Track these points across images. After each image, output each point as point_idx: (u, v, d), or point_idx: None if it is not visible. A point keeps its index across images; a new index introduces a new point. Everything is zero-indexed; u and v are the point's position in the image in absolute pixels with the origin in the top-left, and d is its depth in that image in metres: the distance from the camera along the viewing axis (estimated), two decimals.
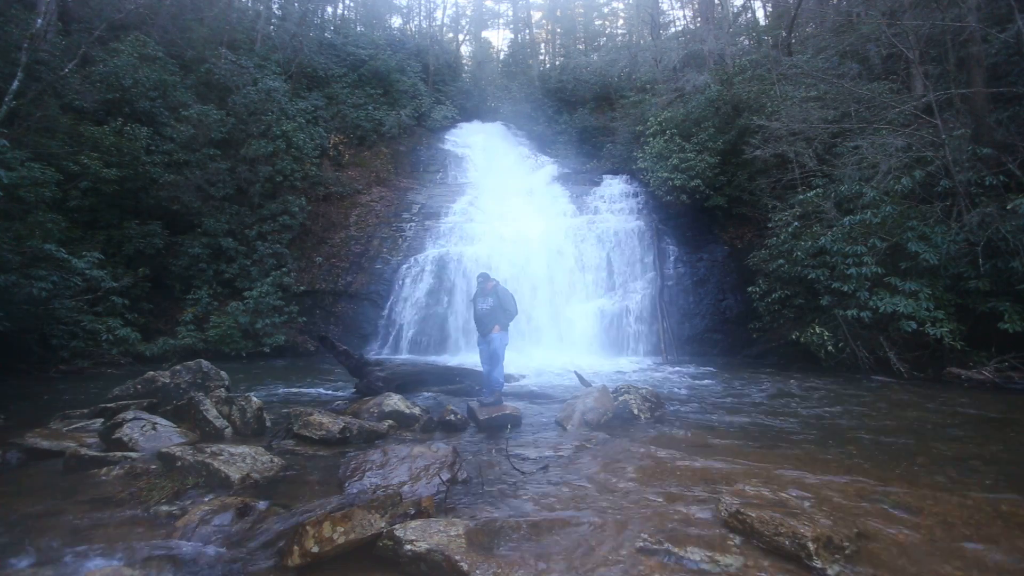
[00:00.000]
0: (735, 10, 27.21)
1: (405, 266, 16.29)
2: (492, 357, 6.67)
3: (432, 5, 40.76)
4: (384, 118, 22.42)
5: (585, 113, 25.48)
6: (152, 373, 6.68)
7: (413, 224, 18.08)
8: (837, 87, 12.68)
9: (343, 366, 8.38)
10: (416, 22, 39.04)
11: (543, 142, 25.14)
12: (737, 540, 2.76)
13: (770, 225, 12.89)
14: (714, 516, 3.04)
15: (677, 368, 11.66)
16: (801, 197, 11.95)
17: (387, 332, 15.35)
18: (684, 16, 32.74)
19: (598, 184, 19.54)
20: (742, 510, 2.86)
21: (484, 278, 6.92)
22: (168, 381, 6.57)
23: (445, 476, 3.72)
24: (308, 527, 2.65)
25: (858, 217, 10.14)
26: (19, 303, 9.27)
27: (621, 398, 6.26)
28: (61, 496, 3.58)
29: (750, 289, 12.72)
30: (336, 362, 8.89)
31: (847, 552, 2.64)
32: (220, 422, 5.14)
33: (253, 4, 25.99)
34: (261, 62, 19.97)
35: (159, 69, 15.62)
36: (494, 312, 6.66)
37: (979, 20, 10.62)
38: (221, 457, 3.90)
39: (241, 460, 3.91)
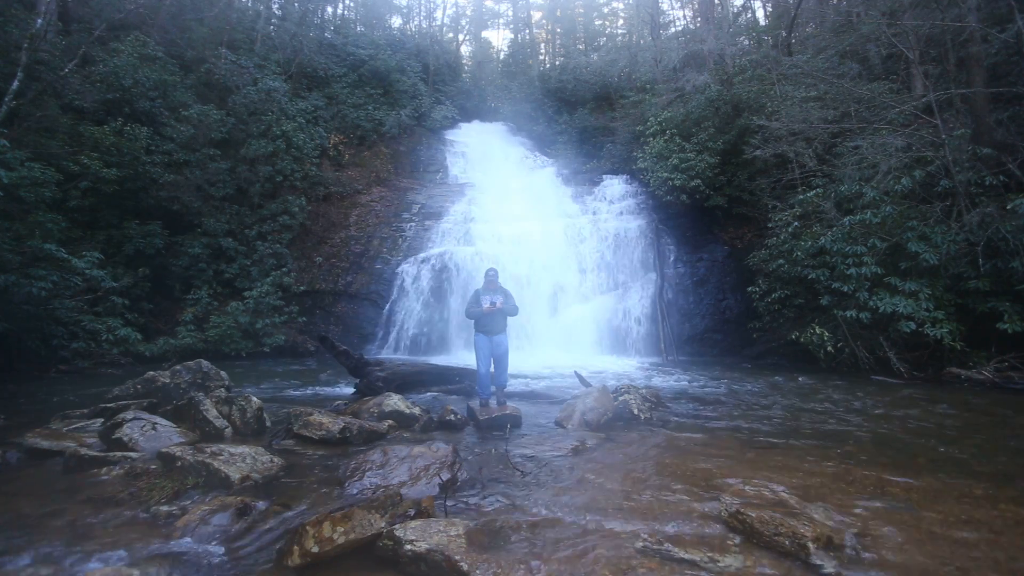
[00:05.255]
0: (735, 10, 27.22)
1: (405, 266, 16.28)
2: (502, 357, 6.53)
3: (432, 5, 40.80)
4: (384, 118, 22.43)
5: (585, 113, 25.49)
6: (152, 373, 6.68)
7: (413, 224, 18.08)
8: (837, 87, 12.68)
9: (343, 366, 8.38)
10: (416, 22, 39.06)
11: (543, 142, 25.15)
12: (737, 540, 2.76)
13: (770, 225, 12.89)
14: (714, 516, 3.04)
15: (677, 368, 11.67)
16: (801, 197, 11.95)
17: (387, 332, 15.34)
18: (684, 16, 32.75)
19: (598, 184, 19.53)
20: (742, 510, 2.86)
21: (494, 274, 6.62)
22: (168, 381, 6.57)
23: (445, 476, 3.72)
24: (308, 527, 2.65)
25: (858, 217, 10.14)
26: (19, 303, 9.27)
27: (621, 398, 6.26)
28: (61, 496, 3.58)
29: (750, 289, 12.72)
30: (336, 362, 8.89)
31: (847, 551, 2.64)
32: (220, 422, 5.13)
33: (253, 4, 25.98)
34: (261, 62, 19.98)
35: (159, 69, 15.62)
36: (504, 311, 6.46)
37: (979, 20, 10.62)
38: (221, 457, 3.89)
39: (241, 460, 3.91)
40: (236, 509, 3.20)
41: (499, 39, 46.01)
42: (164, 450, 4.10)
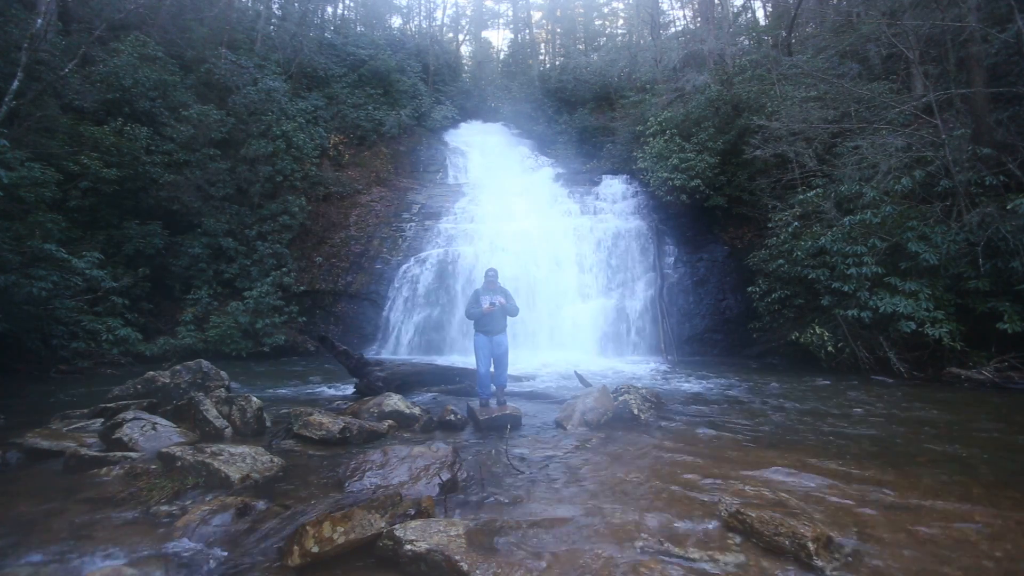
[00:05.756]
0: (735, 10, 27.20)
1: (405, 266, 16.29)
2: (502, 357, 6.52)
3: (432, 5, 40.83)
4: (384, 118, 22.43)
5: (585, 113, 25.50)
6: (152, 373, 6.68)
7: (413, 224, 18.08)
8: (837, 87, 12.68)
9: (343, 366, 8.38)
10: (416, 22, 39.09)
11: (543, 142, 25.15)
12: (737, 540, 2.76)
13: (770, 225, 12.89)
14: (714, 516, 3.04)
15: (677, 368, 11.66)
16: (801, 197, 11.95)
17: (387, 332, 15.35)
18: (684, 16, 32.77)
19: (598, 184, 19.55)
20: (742, 510, 2.86)
21: (494, 274, 6.63)
22: (168, 381, 6.57)
23: (445, 476, 3.72)
24: (308, 527, 2.65)
25: (858, 217, 10.13)
26: (19, 303, 9.27)
27: (621, 398, 6.25)
28: (61, 496, 3.58)
29: (750, 289, 12.72)
30: (336, 362, 8.89)
31: (847, 552, 2.64)
32: (220, 422, 5.13)
33: (253, 4, 26.00)
34: (261, 62, 19.99)
35: (159, 69, 15.63)
36: (504, 311, 6.46)
37: (979, 20, 10.62)
38: (221, 457, 3.90)
39: (241, 460, 3.91)
40: (236, 509, 3.20)
41: (499, 39, 46.10)
42: (164, 450, 4.10)
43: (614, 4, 37.59)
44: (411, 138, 23.42)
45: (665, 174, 16.00)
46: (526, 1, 41.24)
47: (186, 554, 2.78)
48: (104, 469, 3.96)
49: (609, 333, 14.48)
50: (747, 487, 3.53)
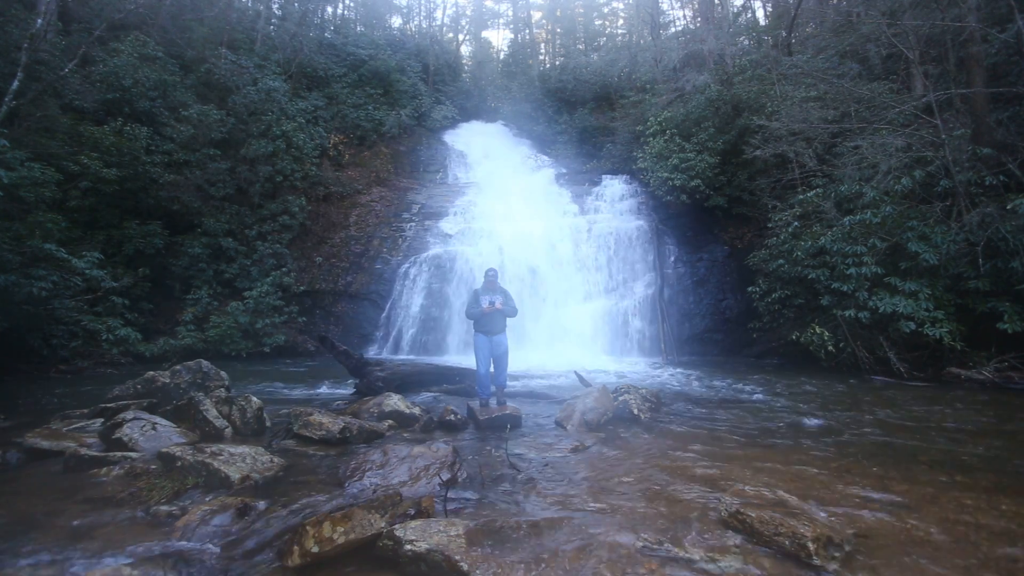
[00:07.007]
0: (735, 10, 27.19)
1: (405, 266, 16.29)
2: (502, 357, 6.52)
3: (432, 5, 40.85)
4: (384, 118, 22.44)
5: (585, 113, 25.50)
6: (152, 373, 6.67)
7: (413, 224, 18.09)
8: (837, 87, 12.68)
9: (343, 366, 8.38)
10: (416, 22, 39.11)
11: (543, 142, 25.15)
12: (737, 540, 2.76)
13: (770, 225, 12.89)
14: (714, 516, 3.04)
15: (677, 368, 11.66)
16: (801, 197, 11.95)
17: (387, 332, 15.35)
18: (684, 16, 32.76)
19: (598, 184, 19.56)
20: (742, 510, 2.86)
21: (494, 274, 6.65)
22: (168, 381, 6.56)
23: (445, 476, 3.72)
24: (308, 527, 2.65)
25: (858, 217, 10.14)
26: (19, 303, 9.27)
27: (621, 398, 6.25)
28: (61, 496, 3.58)
29: (750, 289, 12.72)
30: (336, 362, 8.89)
31: (847, 551, 2.64)
32: (220, 422, 5.13)
33: (253, 4, 25.99)
34: (261, 62, 19.99)
35: (159, 69, 15.64)
36: (504, 311, 6.46)
37: (979, 20, 10.62)
38: (221, 457, 3.89)
39: (241, 460, 3.91)
40: (236, 509, 3.20)
41: (499, 39, 46.13)
42: (164, 450, 4.10)
43: (614, 4, 37.63)
44: (411, 138, 23.43)
45: (665, 174, 16.00)
46: (526, 1, 41.26)
47: (186, 554, 2.77)
48: (104, 469, 3.96)
49: (609, 333, 14.48)
50: (747, 487, 3.53)
